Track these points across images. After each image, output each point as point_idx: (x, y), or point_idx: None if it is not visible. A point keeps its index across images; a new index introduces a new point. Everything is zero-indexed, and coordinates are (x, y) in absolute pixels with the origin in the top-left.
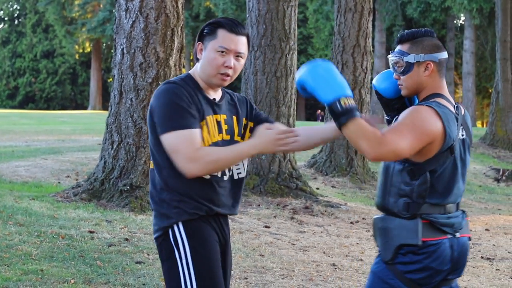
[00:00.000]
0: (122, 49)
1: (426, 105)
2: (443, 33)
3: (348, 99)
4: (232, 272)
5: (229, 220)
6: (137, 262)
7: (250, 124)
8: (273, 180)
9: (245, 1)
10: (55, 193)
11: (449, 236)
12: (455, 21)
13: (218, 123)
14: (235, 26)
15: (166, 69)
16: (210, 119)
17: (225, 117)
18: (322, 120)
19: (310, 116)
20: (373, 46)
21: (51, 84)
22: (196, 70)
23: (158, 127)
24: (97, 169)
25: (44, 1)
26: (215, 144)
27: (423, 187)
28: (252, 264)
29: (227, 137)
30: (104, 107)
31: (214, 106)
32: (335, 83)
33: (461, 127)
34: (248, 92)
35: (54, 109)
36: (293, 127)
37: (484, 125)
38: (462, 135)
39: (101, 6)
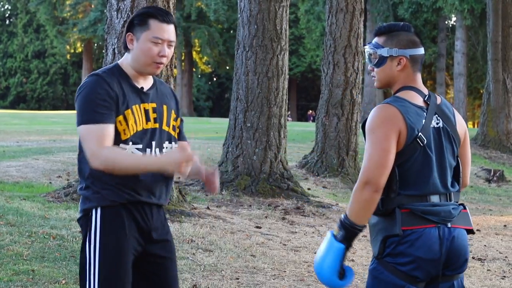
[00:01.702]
0: (114, 49)
1: (382, 104)
2: (435, 33)
3: (337, 232)
4: (223, 272)
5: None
6: None
7: (178, 120)
8: (264, 181)
9: (237, 2)
10: (46, 193)
11: (437, 225)
12: (446, 22)
13: (146, 111)
14: (165, 15)
15: None
16: (137, 108)
17: (154, 105)
18: (313, 121)
19: (301, 116)
20: (364, 47)
21: (43, 84)
22: (126, 60)
23: (76, 118)
24: None
25: (36, 1)
26: (143, 132)
27: (392, 181)
28: (244, 264)
29: (155, 125)
30: None
31: (142, 95)
32: (326, 254)
33: (435, 115)
34: (239, 92)
35: (45, 109)
36: (285, 127)
37: (475, 126)
38: (437, 124)
39: (93, 6)
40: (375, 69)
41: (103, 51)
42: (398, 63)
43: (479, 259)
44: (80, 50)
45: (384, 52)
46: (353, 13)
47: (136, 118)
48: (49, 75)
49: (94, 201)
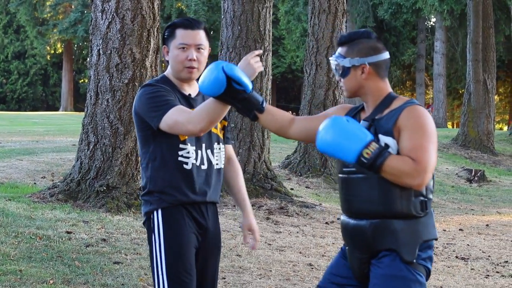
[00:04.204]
0: (98, 50)
1: (422, 107)
2: (414, 34)
3: (369, 148)
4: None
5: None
6: (115, 263)
7: (224, 123)
8: (248, 181)
9: (217, 3)
10: (31, 194)
11: None
12: (426, 23)
13: None
14: (190, 23)
15: (142, 70)
16: None
17: None
18: None
19: None
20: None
21: (23, 85)
22: (169, 71)
23: (151, 122)
24: (73, 170)
25: (16, 2)
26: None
27: (431, 181)
28: (230, 264)
29: None
30: (76, 108)
31: (190, 101)
32: (348, 140)
33: None
34: None
35: (25, 110)
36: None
37: (455, 126)
38: None
39: (73, 7)
40: (342, 80)
41: (84, 52)
42: (361, 71)
43: (463, 258)
44: (60, 51)
45: (346, 62)
46: (336, 14)
47: None
48: (29, 76)
49: (154, 204)
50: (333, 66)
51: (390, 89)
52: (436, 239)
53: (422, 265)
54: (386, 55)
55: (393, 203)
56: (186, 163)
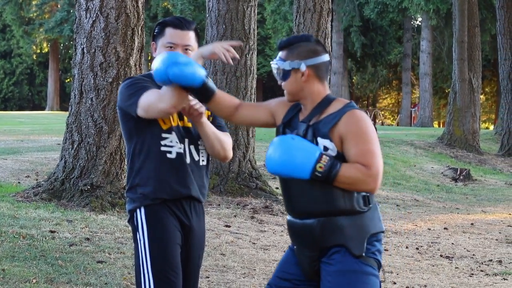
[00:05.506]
0: (83, 49)
1: (358, 109)
2: (400, 34)
3: (321, 162)
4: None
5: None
6: (98, 262)
7: (208, 113)
8: (233, 180)
9: (203, 2)
10: (15, 193)
11: None
12: (412, 22)
13: (179, 111)
14: (180, 23)
15: (126, 69)
16: None
17: None
18: None
19: None
20: (330, 46)
21: (9, 85)
22: None
23: (131, 110)
24: (58, 169)
25: (2, 1)
26: (178, 127)
27: None
28: (214, 263)
29: (189, 124)
30: (62, 108)
31: None
32: (299, 158)
33: None
34: None
35: (11, 110)
36: (253, 127)
37: (441, 125)
38: None
39: (59, 6)
40: (283, 83)
41: (70, 51)
42: (302, 74)
43: (447, 257)
44: (46, 50)
45: (286, 65)
46: (321, 13)
47: (172, 116)
48: (15, 75)
49: (137, 202)
50: (274, 71)
51: (328, 92)
52: (383, 232)
53: (372, 258)
54: (325, 57)
55: (337, 201)
56: (170, 152)
